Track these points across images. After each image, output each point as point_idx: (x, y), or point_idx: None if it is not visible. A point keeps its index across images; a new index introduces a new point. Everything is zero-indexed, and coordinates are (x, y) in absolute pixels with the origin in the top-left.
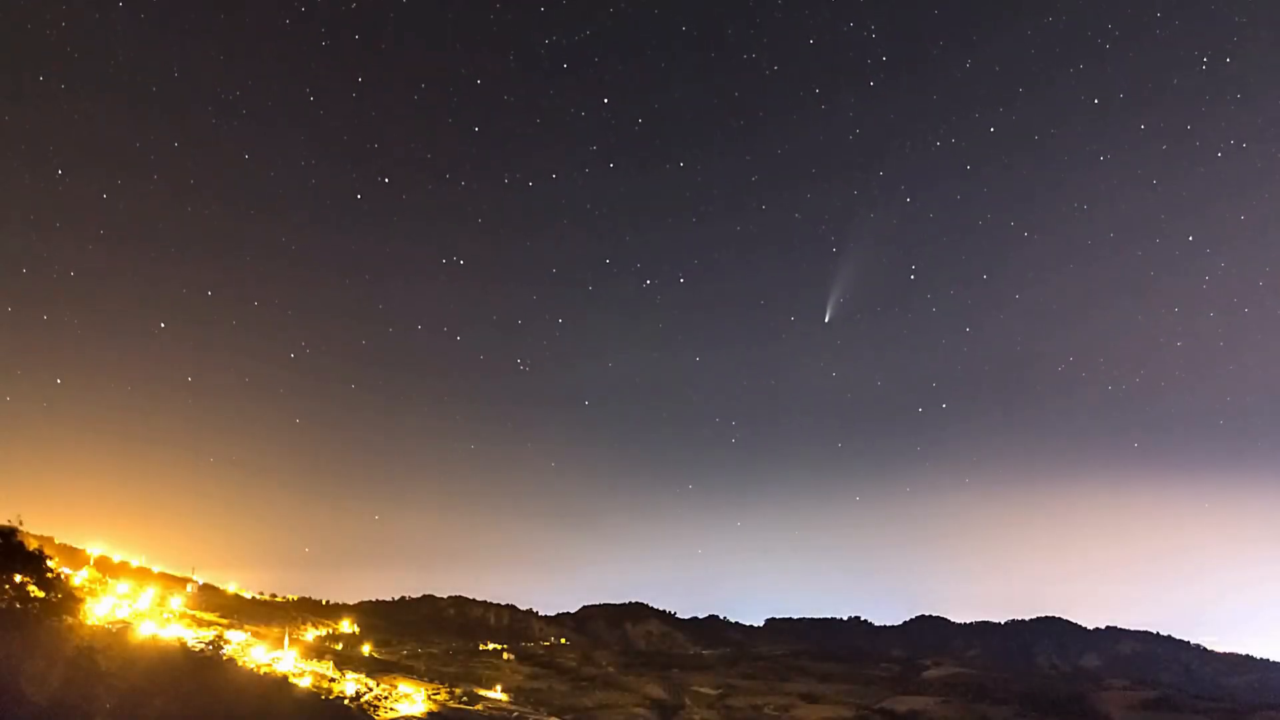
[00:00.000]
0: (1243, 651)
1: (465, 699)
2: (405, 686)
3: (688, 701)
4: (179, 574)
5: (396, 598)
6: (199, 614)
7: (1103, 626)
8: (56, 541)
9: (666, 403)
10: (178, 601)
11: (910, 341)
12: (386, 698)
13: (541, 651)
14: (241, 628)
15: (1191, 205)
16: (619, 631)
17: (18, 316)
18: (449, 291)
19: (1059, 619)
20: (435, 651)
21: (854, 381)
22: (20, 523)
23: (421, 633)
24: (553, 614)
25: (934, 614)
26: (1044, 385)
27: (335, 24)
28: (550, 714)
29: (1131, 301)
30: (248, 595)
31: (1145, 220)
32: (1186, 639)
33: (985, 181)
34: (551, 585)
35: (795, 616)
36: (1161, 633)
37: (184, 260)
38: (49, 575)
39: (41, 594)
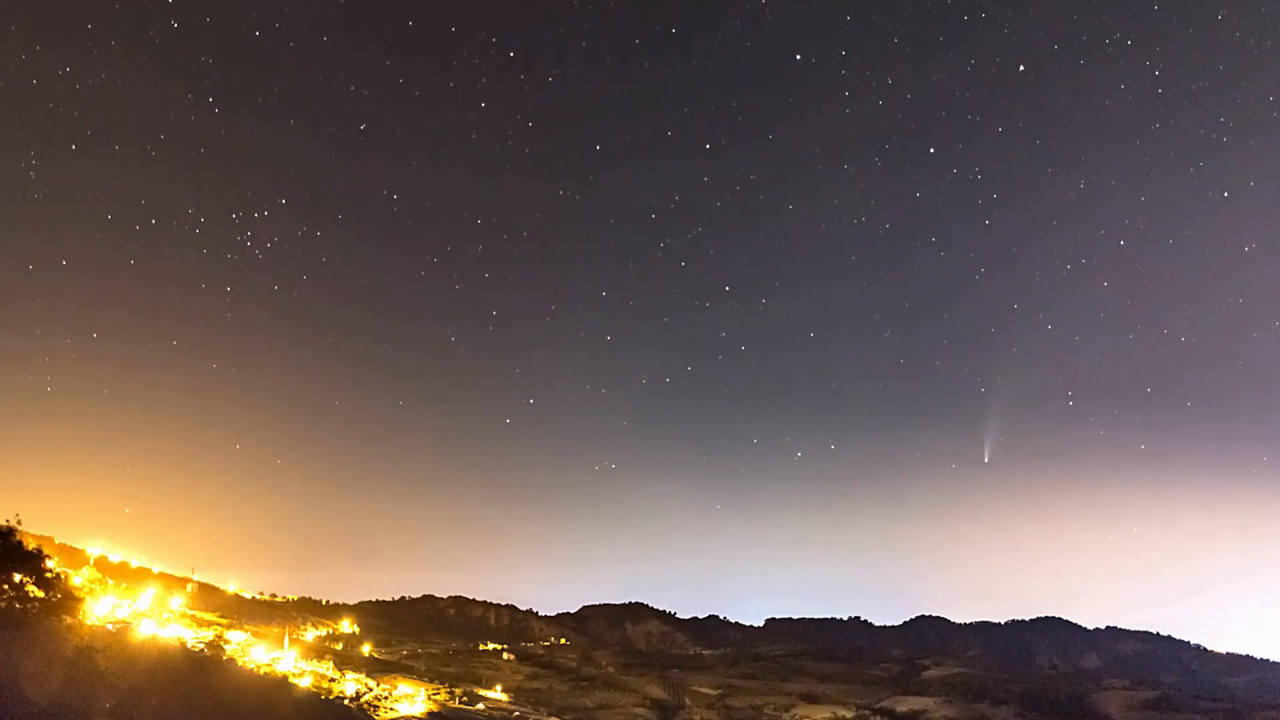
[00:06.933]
0: (1243, 651)
1: (465, 699)
2: (405, 686)
3: (688, 701)
4: (178, 574)
5: (396, 598)
6: (199, 614)
7: (1103, 626)
8: (56, 541)
9: (840, 569)
10: (177, 601)
11: (1081, 470)
12: (386, 698)
13: (541, 651)
14: (241, 628)
15: None
16: (619, 631)
17: (163, 530)
18: (604, 495)
19: (1059, 619)
20: (435, 651)
21: (1027, 519)
22: (20, 522)
23: (421, 633)
24: (553, 614)
25: (934, 614)
26: (1240, 490)
27: (466, 267)
28: (550, 714)
29: None
30: (248, 595)
31: None
32: (1186, 639)
33: (1127, 296)
34: (551, 585)
35: (795, 616)
36: (1161, 633)
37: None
38: (48, 575)
39: (41, 594)
